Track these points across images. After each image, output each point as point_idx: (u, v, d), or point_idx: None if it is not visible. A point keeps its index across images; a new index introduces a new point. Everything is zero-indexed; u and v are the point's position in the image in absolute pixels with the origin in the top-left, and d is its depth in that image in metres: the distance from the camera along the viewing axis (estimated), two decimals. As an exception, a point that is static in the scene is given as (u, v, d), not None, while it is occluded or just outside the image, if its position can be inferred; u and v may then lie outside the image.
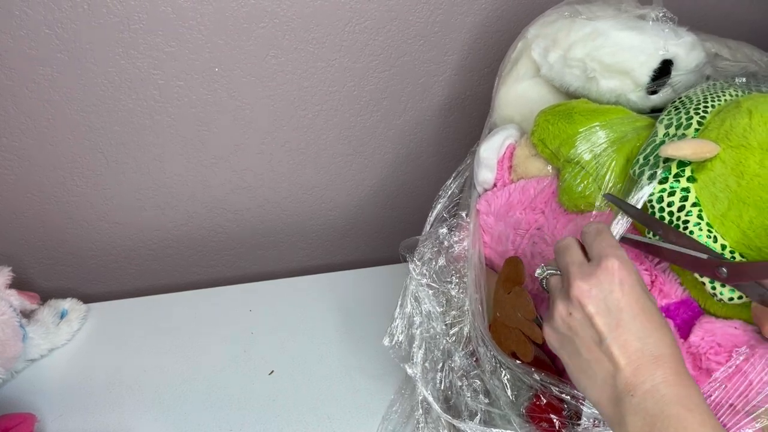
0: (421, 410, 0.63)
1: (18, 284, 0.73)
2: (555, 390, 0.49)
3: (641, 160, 0.48)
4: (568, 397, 0.48)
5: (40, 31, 0.64)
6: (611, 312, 0.41)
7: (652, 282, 0.48)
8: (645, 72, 0.53)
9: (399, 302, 0.61)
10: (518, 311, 0.51)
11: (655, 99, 0.55)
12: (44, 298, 0.78)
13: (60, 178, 0.77)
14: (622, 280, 0.41)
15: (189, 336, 0.79)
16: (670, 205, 0.46)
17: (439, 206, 0.64)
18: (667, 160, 0.46)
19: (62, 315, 0.78)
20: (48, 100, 0.70)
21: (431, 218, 0.64)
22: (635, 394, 0.39)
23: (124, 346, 0.77)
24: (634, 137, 0.51)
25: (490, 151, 0.59)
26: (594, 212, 0.53)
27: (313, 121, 0.80)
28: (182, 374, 0.74)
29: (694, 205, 0.45)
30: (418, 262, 0.60)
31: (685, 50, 0.53)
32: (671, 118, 0.49)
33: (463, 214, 0.62)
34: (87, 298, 0.82)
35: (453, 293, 0.59)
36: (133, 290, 0.92)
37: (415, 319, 0.60)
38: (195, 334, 0.79)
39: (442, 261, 0.61)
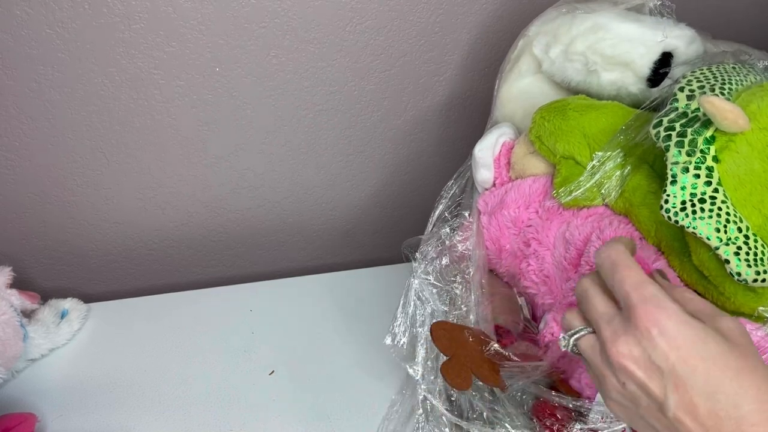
0: (421, 410, 0.63)
1: (18, 284, 0.73)
2: (556, 399, 0.49)
3: (665, 123, 0.45)
4: (570, 406, 0.48)
5: (41, 30, 0.64)
6: (663, 372, 0.34)
7: None
8: (645, 63, 0.53)
9: (401, 301, 0.60)
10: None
11: (656, 92, 0.54)
12: (45, 297, 0.78)
13: (60, 178, 0.77)
14: (662, 329, 0.34)
15: (189, 336, 0.78)
16: (696, 177, 0.43)
17: (440, 207, 0.64)
18: (694, 132, 0.44)
19: (63, 315, 0.78)
20: (49, 100, 0.70)
21: (433, 219, 0.64)
22: None
23: (124, 346, 0.77)
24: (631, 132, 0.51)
25: (485, 150, 0.59)
26: (589, 209, 0.52)
27: (314, 120, 0.80)
28: (182, 374, 0.74)
29: (719, 184, 0.43)
30: (422, 261, 0.60)
31: (685, 43, 0.53)
32: (693, 90, 0.46)
33: (466, 214, 0.62)
34: (87, 298, 0.82)
35: (457, 292, 0.59)
36: (133, 290, 0.92)
37: (417, 317, 0.59)
38: (195, 334, 0.79)
39: (445, 260, 0.61)
